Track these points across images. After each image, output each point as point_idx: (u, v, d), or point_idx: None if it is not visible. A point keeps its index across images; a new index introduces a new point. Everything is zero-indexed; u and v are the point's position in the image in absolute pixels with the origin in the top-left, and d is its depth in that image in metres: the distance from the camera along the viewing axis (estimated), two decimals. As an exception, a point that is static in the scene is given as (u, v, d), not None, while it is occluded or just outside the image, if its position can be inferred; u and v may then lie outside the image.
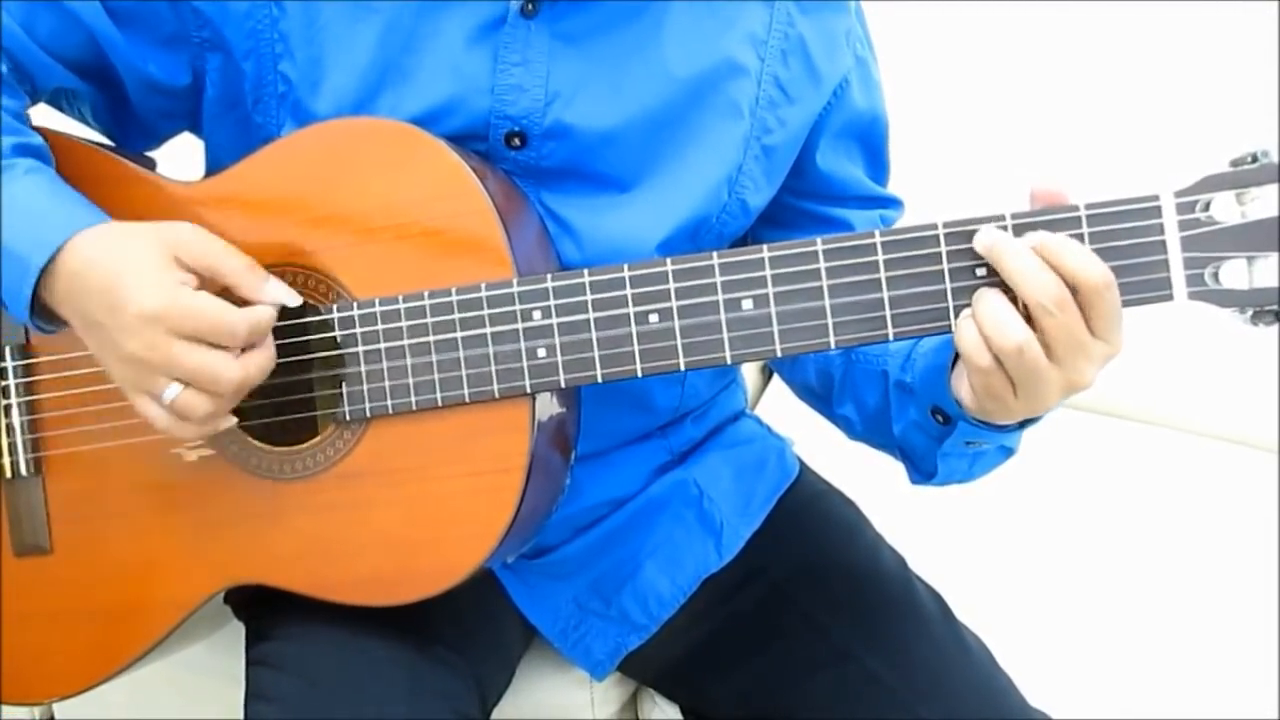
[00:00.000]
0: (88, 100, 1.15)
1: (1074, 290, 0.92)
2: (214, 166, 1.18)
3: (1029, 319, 0.93)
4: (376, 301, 1.04)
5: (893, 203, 1.24)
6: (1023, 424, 1.04)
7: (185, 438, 1.04)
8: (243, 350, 1.00)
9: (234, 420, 1.03)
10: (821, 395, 1.24)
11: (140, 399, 1.01)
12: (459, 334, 1.03)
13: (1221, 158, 0.95)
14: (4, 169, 1.03)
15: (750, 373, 1.86)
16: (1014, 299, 0.94)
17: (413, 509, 1.05)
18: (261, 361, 1.01)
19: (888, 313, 0.97)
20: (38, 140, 1.08)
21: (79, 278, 1.00)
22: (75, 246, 1.00)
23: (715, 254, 1.00)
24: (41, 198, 1.03)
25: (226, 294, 1.01)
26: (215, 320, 0.98)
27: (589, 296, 1.01)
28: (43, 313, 1.03)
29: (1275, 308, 0.93)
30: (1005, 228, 0.95)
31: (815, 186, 1.20)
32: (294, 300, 1.03)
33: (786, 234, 1.20)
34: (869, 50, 1.20)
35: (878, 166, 1.23)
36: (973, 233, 0.95)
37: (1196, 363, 1.82)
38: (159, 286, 0.98)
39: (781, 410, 1.50)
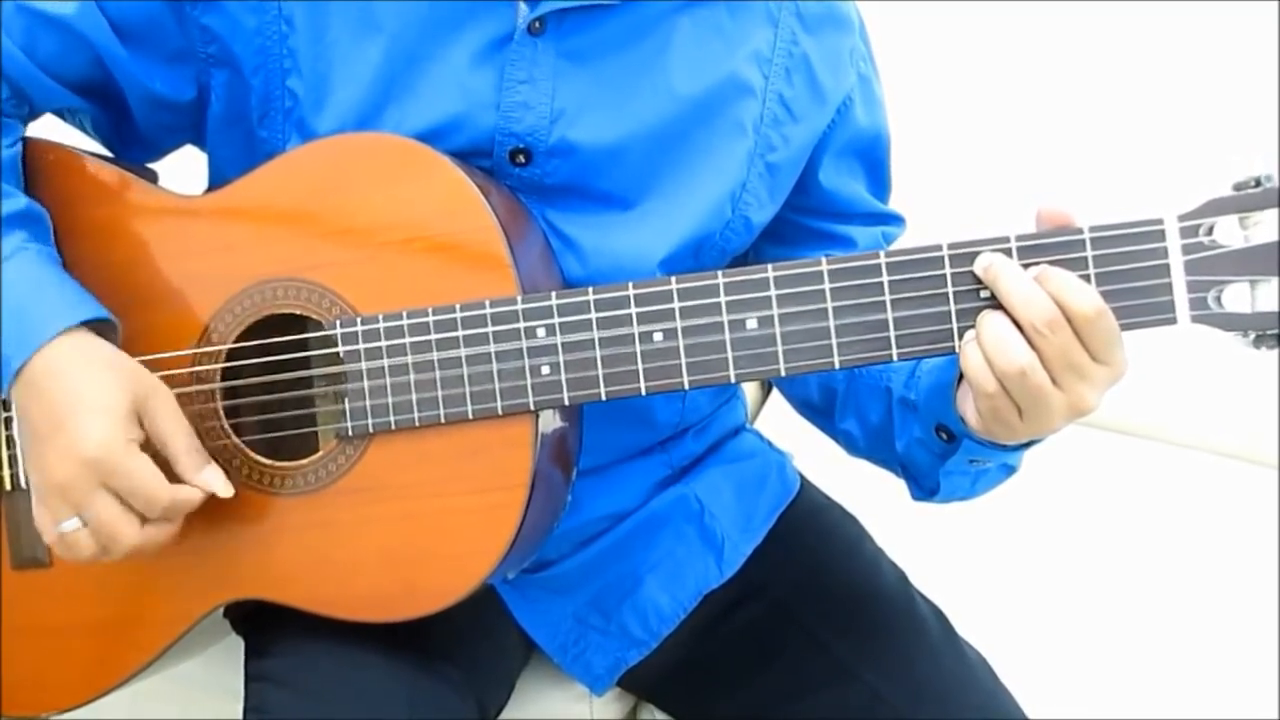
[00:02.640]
0: (88, 115, 1.15)
1: (1068, 318, 0.93)
2: (217, 180, 1.18)
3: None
4: (380, 317, 1.04)
5: (895, 219, 1.24)
6: (1027, 443, 1.04)
7: (59, 555, 1.06)
8: (154, 520, 1.03)
9: (111, 559, 1.05)
10: (823, 411, 1.24)
11: (41, 510, 1.04)
12: (462, 350, 1.03)
13: (1223, 164, 0.95)
14: None
15: (750, 388, 1.86)
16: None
17: (414, 525, 1.05)
18: (162, 536, 1.04)
19: (892, 333, 0.97)
20: (22, 203, 1.07)
21: (36, 387, 1.02)
22: (45, 358, 1.02)
23: (720, 273, 1.00)
24: (22, 289, 1.03)
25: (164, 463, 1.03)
26: (142, 489, 1.01)
27: (593, 315, 1.01)
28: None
29: (1277, 332, 0.93)
30: (1010, 250, 0.95)
31: (818, 203, 1.20)
32: (227, 492, 1.05)
33: (789, 250, 1.20)
34: (872, 68, 1.20)
35: (880, 183, 1.24)
36: (976, 254, 0.96)
37: (1198, 378, 1.82)
38: (107, 436, 1.00)
39: (781, 425, 1.50)
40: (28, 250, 1.05)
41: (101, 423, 1.00)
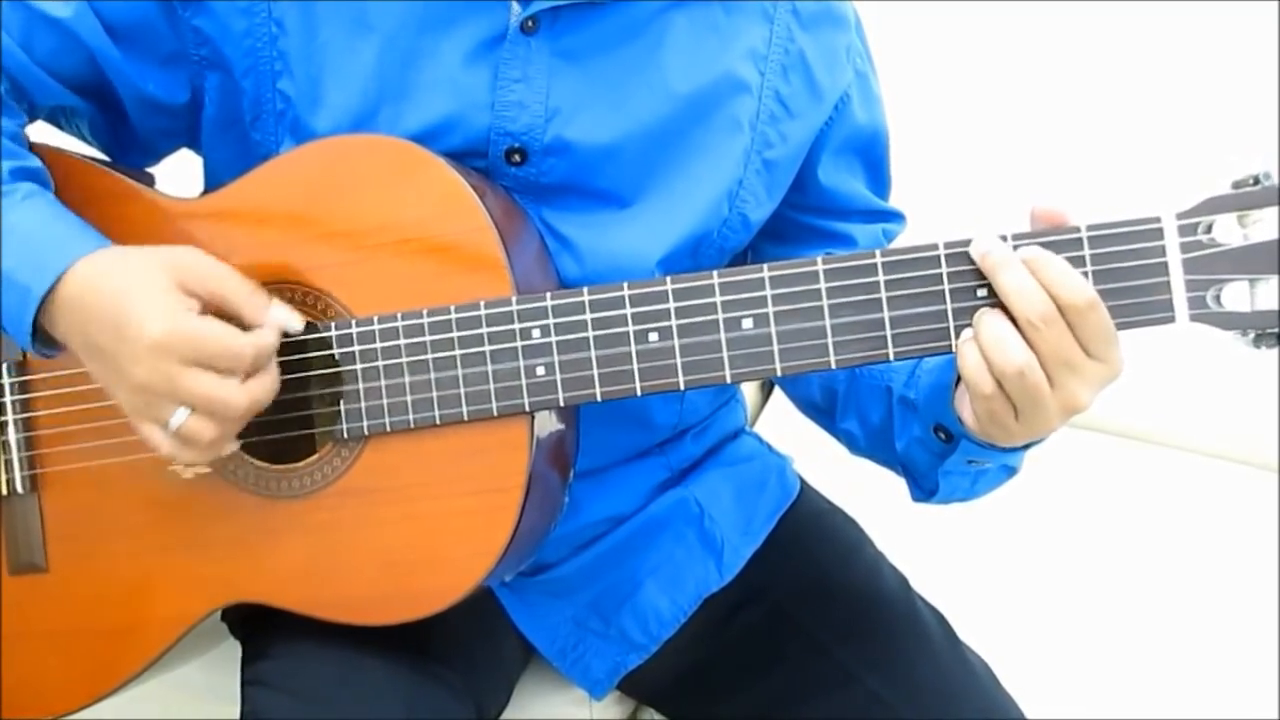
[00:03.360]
0: (86, 118, 1.15)
1: (1060, 309, 0.92)
2: (212, 183, 1.18)
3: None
4: (375, 319, 1.04)
5: (895, 216, 1.24)
6: (1026, 445, 1.03)
7: (188, 462, 1.03)
8: (249, 375, 1.00)
9: (237, 445, 1.03)
10: (825, 410, 1.24)
11: (145, 424, 1.00)
12: (457, 352, 1.02)
13: (1222, 163, 0.95)
14: (3, 194, 1.03)
15: (750, 390, 1.86)
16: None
17: (411, 527, 1.05)
18: (267, 386, 1.01)
19: (888, 333, 0.97)
20: (35, 163, 1.08)
21: (81, 304, 0.99)
22: (77, 273, 1.00)
23: (715, 273, 0.99)
24: (41, 223, 1.03)
25: (229, 318, 1.00)
26: (222, 346, 0.98)
27: (588, 315, 1.01)
28: (44, 339, 1.03)
29: (1277, 330, 0.93)
30: (1007, 249, 0.95)
31: (817, 201, 1.19)
32: (298, 325, 1.03)
33: (788, 248, 1.20)
34: (869, 64, 1.20)
35: (879, 181, 1.23)
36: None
37: (1198, 382, 1.82)
38: (165, 312, 0.98)
39: (781, 428, 1.49)
40: (44, 195, 1.05)
41: (154, 305, 0.98)
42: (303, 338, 1.06)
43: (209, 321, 0.99)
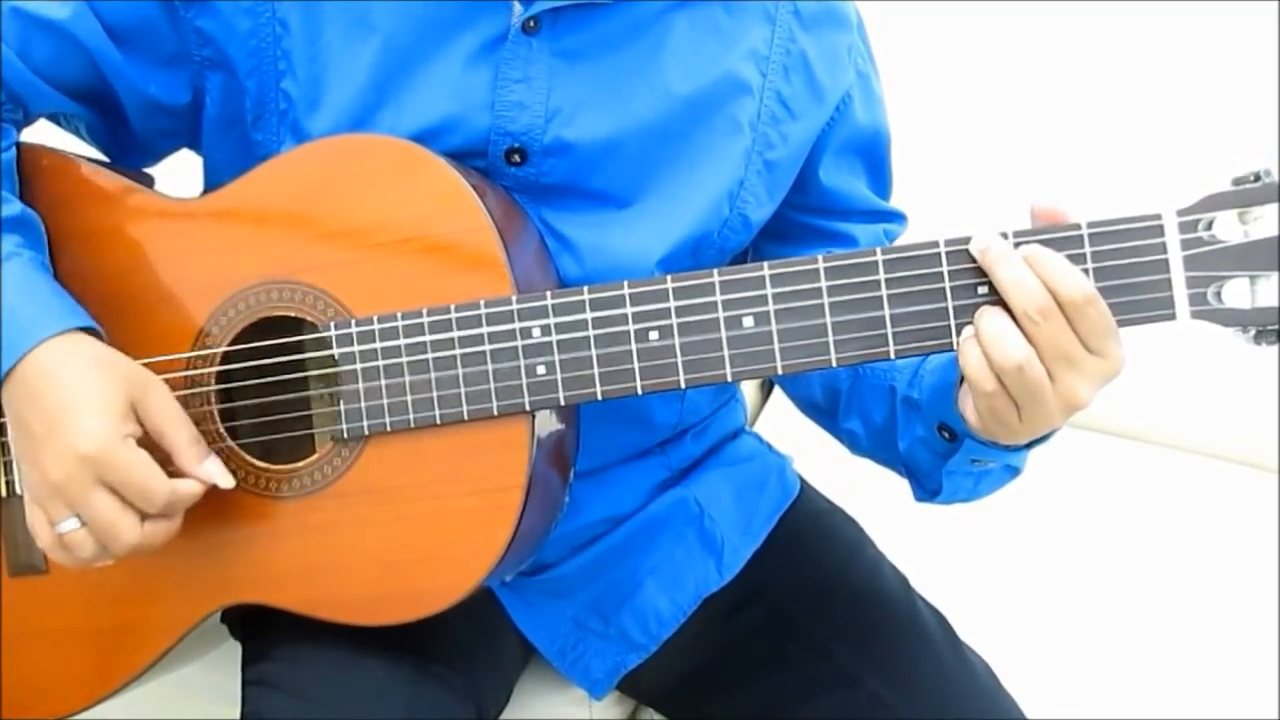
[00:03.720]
0: (84, 121, 1.15)
1: (1059, 303, 0.92)
2: (212, 183, 1.18)
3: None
4: (375, 319, 1.03)
5: (896, 217, 1.24)
6: (1030, 444, 1.03)
7: (56, 561, 1.04)
8: (153, 516, 1.01)
9: (110, 561, 1.03)
10: (827, 410, 1.24)
11: (36, 512, 1.02)
12: (458, 351, 1.02)
13: (1222, 162, 0.95)
14: None
15: (749, 390, 1.86)
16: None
17: (411, 527, 1.04)
18: (162, 534, 1.02)
19: (889, 330, 0.97)
20: (17, 209, 1.07)
21: (29, 388, 1.01)
22: (37, 359, 1.00)
23: (716, 271, 0.99)
24: (15, 294, 1.02)
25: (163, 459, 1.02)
26: (140, 483, 1.00)
27: (589, 314, 1.01)
28: None
29: (1277, 327, 0.93)
30: (1007, 245, 0.95)
31: (819, 201, 1.19)
32: (228, 483, 1.04)
33: (789, 248, 1.20)
34: (871, 65, 1.20)
35: (880, 181, 1.23)
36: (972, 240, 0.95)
37: (1197, 382, 1.82)
38: (103, 432, 0.99)
39: (781, 427, 1.49)
40: (21, 256, 1.04)
41: (97, 419, 0.99)
42: (302, 337, 1.06)
43: (138, 455, 1.00)
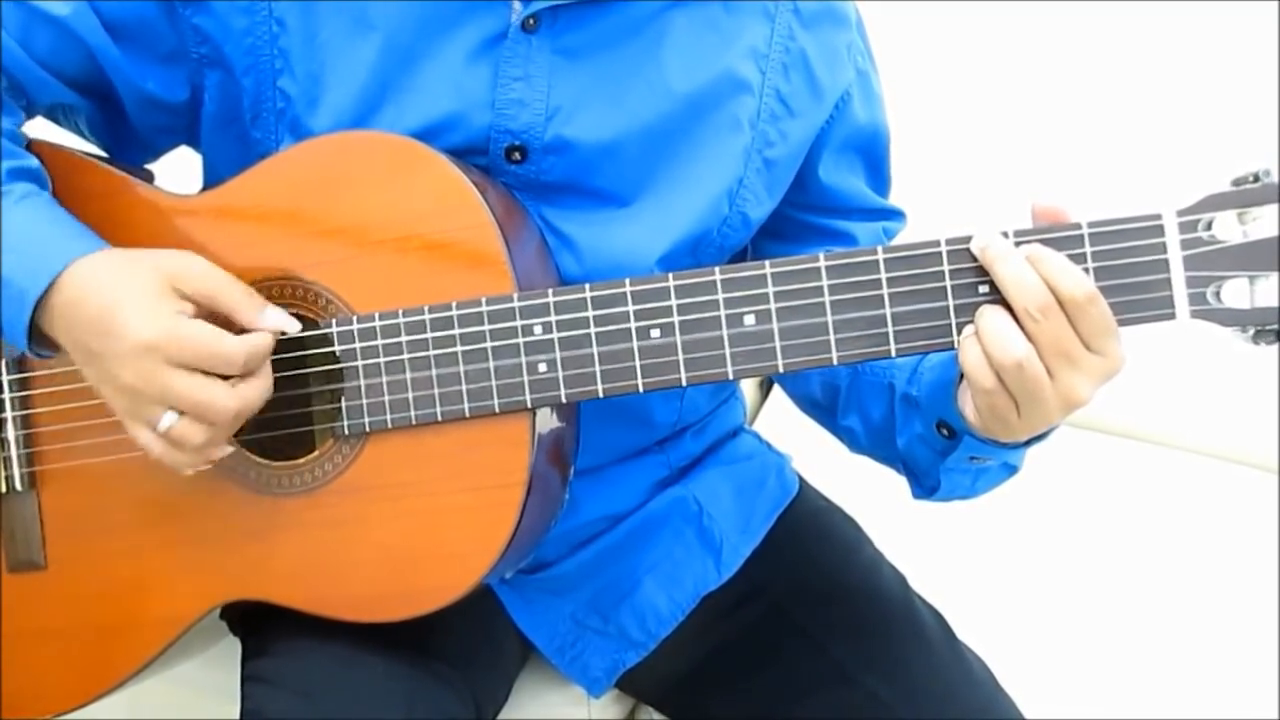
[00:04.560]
0: (84, 114, 1.15)
1: (1060, 301, 0.92)
2: (212, 180, 1.18)
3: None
4: (376, 316, 1.04)
5: (895, 214, 1.24)
6: (1028, 442, 1.03)
7: (180, 465, 1.03)
8: (241, 378, 1.00)
9: (230, 449, 1.03)
10: (826, 407, 1.24)
11: (136, 427, 1.01)
12: (459, 348, 1.02)
13: (1222, 162, 0.95)
14: (1, 194, 1.02)
15: (749, 388, 1.86)
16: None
17: (411, 524, 1.05)
18: (259, 389, 1.01)
19: (890, 329, 0.97)
20: (33, 163, 1.07)
21: (75, 307, 1.00)
22: (72, 275, 1.00)
23: (717, 269, 0.99)
24: (36, 225, 1.03)
25: (225, 322, 1.00)
26: (212, 349, 0.98)
27: (590, 312, 1.01)
28: (41, 340, 1.03)
29: (1277, 327, 0.93)
30: (1008, 245, 0.95)
31: (818, 199, 1.20)
32: (294, 327, 1.03)
33: (789, 246, 1.20)
34: (870, 63, 1.20)
35: (880, 179, 1.23)
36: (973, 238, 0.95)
37: (1197, 382, 1.82)
38: (156, 315, 0.98)
39: (780, 426, 1.49)
40: (41, 196, 1.05)
41: (144, 308, 0.98)
42: (303, 335, 1.06)
43: (198, 324, 0.99)
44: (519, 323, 1.01)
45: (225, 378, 0.99)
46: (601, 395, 1.01)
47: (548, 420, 1.05)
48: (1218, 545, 1.68)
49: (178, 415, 0.98)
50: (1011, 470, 1.11)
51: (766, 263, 0.98)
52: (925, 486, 1.15)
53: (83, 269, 1.00)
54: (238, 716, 1.11)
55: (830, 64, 1.15)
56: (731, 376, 1.00)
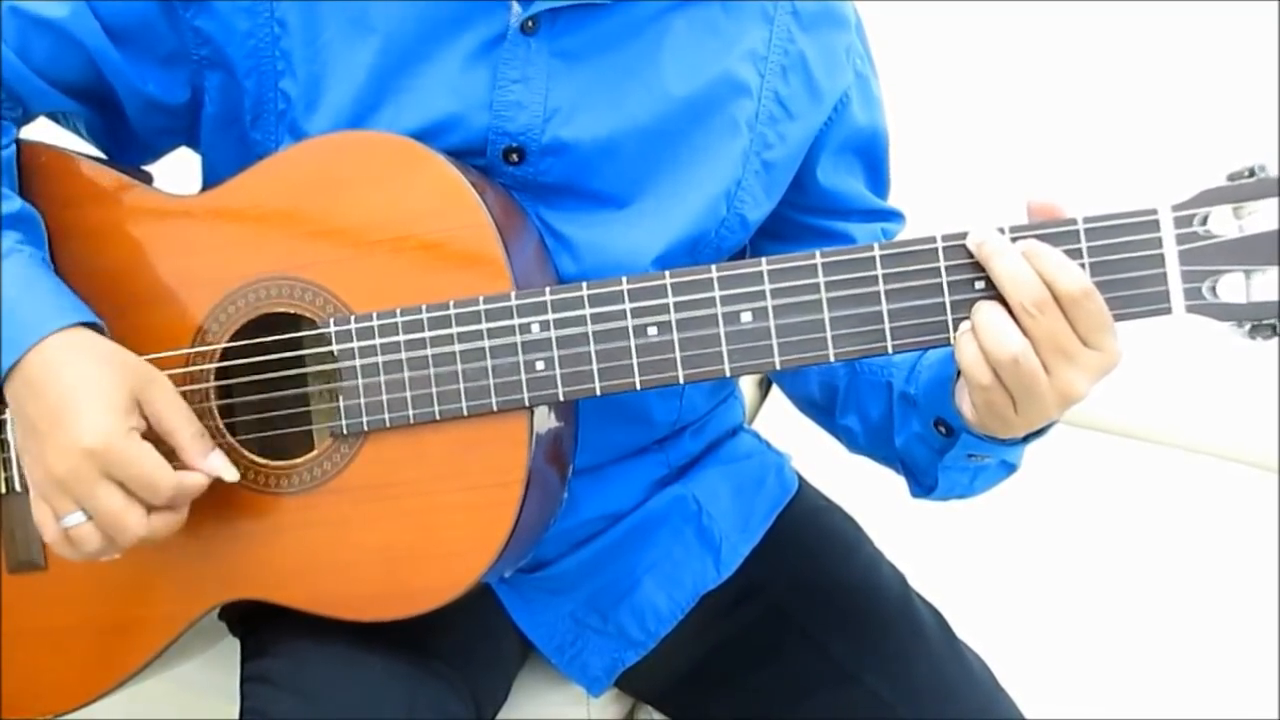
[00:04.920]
0: (83, 118, 1.15)
1: (1055, 296, 0.93)
2: (211, 181, 1.18)
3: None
4: (374, 315, 1.04)
5: (894, 216, 1.24)
6: (1025, 439, 1.03)
7: (60, 552, 1.04)
8: (159, 509, 1.02)
9: (116, 555, 1.04)
10: (824, 407, 1.24)
11: (42, 507, 1.02)
12: (457, 347, 1.02)
13: (1221, 161, 0.95)
14: None
15: (748, 387, 1.86)
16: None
17: (410, 523, 1.05)
18: (170, 524, 1.03)
19: (886, 326, 0.97)
20: (17, 205, 1.07)
21: (35, 388, 1.01)
22: (41, 355, 1.01)
23: (714, 267, 0.99)
24: (16, 289, 1.03)
25: (167, 452, 1.02)
26: (147, 476, 1.00)
27: (587, 310, 1.01)
28: None
29: (1273, 321, 0.93)
30: (1004, 241, 0.95)
31: (816, 201, 1.20)
32: (232, 476, 1.04)
33: (787, 247, 1.19)
34: (869, 65, 1.20)
35: (878, 180, 1.24)
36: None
37: (1197, 381, 1.82)
38: (109, 424, 0.99)
39: (779, 425, 1.49)
40: (21, 252, 1.05)
41: (101, 413, 0.99)
42: (301, 334, 1.06)
43: (144, 448, 1.01)
44: (516, 321, 1.02)
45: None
46: (599, 393, 1.01)
47: (546, 419, 1.05)
48: (1218, 545, 1.68)
49: (85, 518, 1.01)
50: (1010, 468, 1.11)
51: (763, 260, 0.99)
52: (923, 485, 1.15)
53: (51, 352, 1.01)
54: (237, 716, 1.11)
55: (829, 66, 1.15)
56: (729, 374, 1.00)
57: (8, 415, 1.12)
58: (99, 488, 1.00)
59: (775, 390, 1.81)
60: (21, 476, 1.13)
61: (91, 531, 1.01)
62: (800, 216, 1.21)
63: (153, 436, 1.02)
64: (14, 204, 1.07)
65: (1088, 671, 1.50)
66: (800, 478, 1.34)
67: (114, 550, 1.03)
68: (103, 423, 0.99)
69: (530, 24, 1.07)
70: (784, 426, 1.43)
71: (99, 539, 1.01)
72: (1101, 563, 1.64)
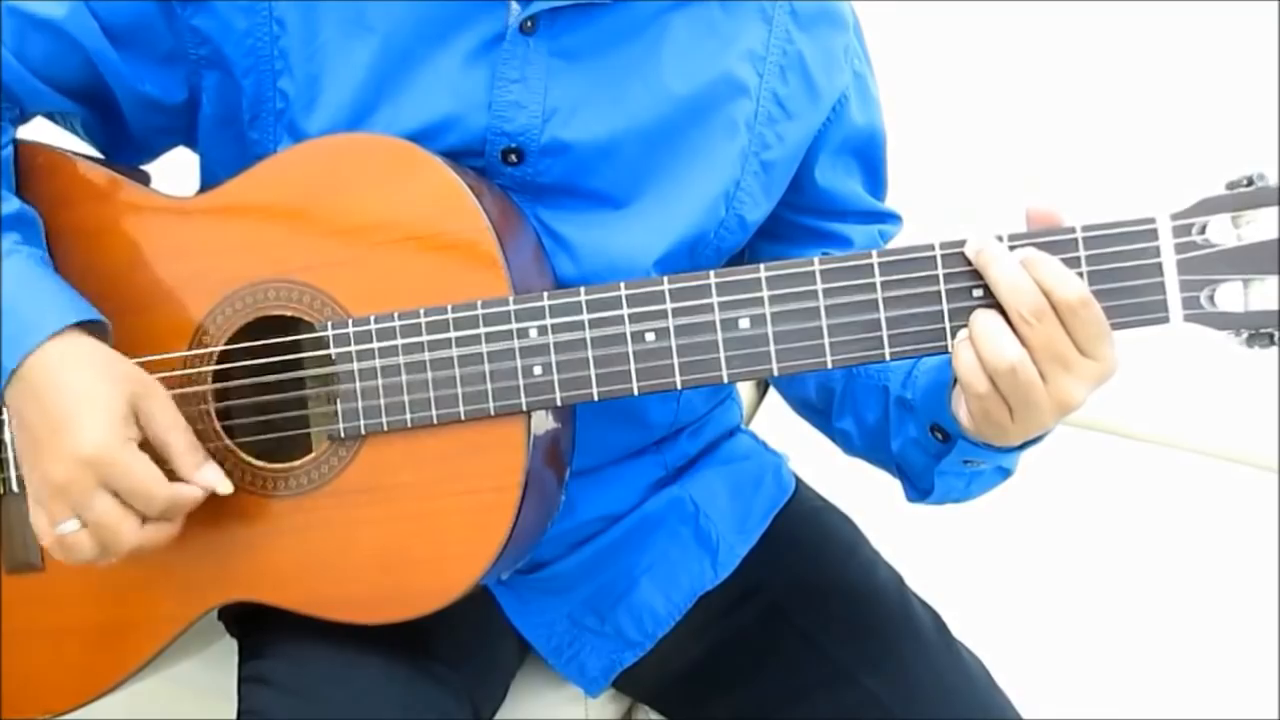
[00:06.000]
0: (80, 118, 1.15)
1: (1053, 305, 0.93)
2: (209, 181, 1.18)
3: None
4: (372, 319, 1.04)
5: (891, 217, 1.24)
6: (1021, 445, 1.03)
7: (54, 555, 1.05)
8: (153, 520, 1.02)
9: (113, 561, 1.04)
10: (821, 410, 1.24)
11: (39, 513, 1.03)
12: (455, 351, 1.02)
13: (1220, 169, 0.95)
14: None
15: (745, 389, 1.86)
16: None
17: (407, 526, 1.05)
18: (164, 535, 1.03)
19: (884, 333, 0.97)
20: (15, 205, 1.07)
21: (32, 387, 1.01)
22: (41, 357, 1.01)
23: (712, 273, 0.99)
24: (16, 289, 1.03)
25: (162, 463, 1.02)
26: (143, 487, 1.01)
27: (585, 315, 1.01)
28: None
29: (1271, 330, 0.93)
30: (1003, 248, 0.95)
31: (814, 202, 1.20)
32: (226, 489, 1.04)
33: (785, 248, 1.20)
34: (867, 66, 1.20)
35: (876, 182, 1.23)
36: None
37: (1197, 382, 1.82)
38: (108, 435, 1.00)
39: (777, 426, 1.49)
40: (20, 252, 1.05)
41: (99, 423, 1.00)
42: (299, 337, 1.06)
43: (141, 459, 1.01)
44: (514, 325, 1.02)
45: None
46: (597, 398, 1.01)
47: (543, 422, 1.05)
48: (1218, 545, 1.68)
49: (80, 525, 1.01)
50: (1005, 474, 1.11)
51: (761, 266, 0.98)
52: (919, 489, 1.15)
53: (53, 358, 1.01)
54: (235, 717, 1.11)
55: (827, 66, 1.15)
56: (726, 379, 1.00)
57: (5, 415, 1.13)
58: (95, 497, 1.00)
59: (773, 391, 1.80)
60: (20, 477, 1.13)
61: (86, 539, 1.02)
62: (797, 217, 1.20)
63: (149, 449, 1.02)
64: (13, 204, 1.07)
65: (1086, 672, 1.50)
66: (797, 478, 1.34)
67: (108, 558, 1.03)
68: (101, 432, 1.00)
69: (529, 24, 1.07)
70: (781, 427, 1.42)
71: (93, 547, 1.02)
72: (1101, 563, 1.64)
